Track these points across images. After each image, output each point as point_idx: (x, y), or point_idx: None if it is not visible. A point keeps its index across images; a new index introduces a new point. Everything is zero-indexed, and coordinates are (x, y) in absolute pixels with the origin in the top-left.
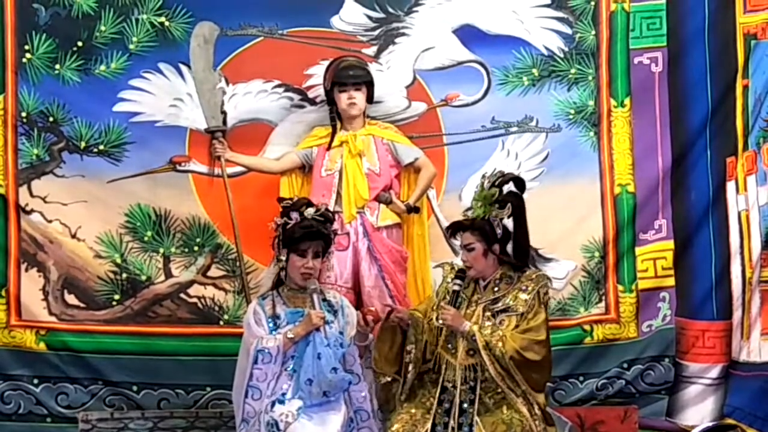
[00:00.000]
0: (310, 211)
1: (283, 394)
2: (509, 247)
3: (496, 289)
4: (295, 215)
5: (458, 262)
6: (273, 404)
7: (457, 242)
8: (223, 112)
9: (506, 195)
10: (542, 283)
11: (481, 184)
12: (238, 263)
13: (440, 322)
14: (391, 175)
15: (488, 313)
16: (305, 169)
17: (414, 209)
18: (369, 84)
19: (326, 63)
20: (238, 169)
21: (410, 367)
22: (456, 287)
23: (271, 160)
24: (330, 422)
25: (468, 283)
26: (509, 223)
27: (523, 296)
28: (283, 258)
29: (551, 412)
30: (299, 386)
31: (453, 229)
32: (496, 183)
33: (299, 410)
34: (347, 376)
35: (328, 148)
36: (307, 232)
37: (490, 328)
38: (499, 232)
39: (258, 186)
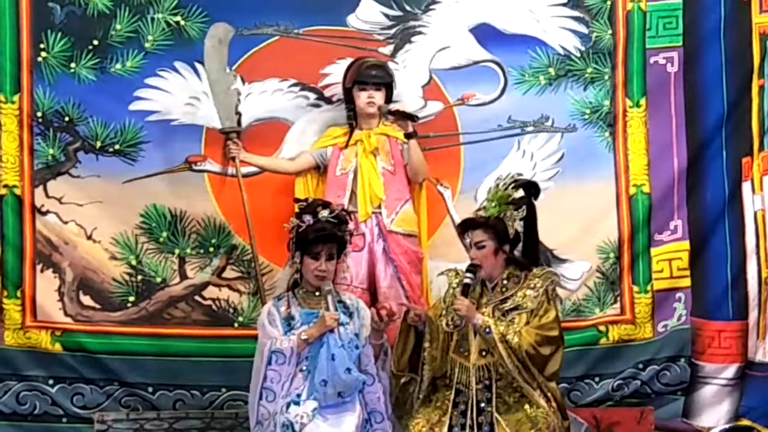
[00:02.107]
0: (324, 213)
1: (298, 395)
2: (517, 252)
3: (504, 289)
4: (308, 218)
5: (463, 268)
6: (288, 405)
7: (466, 240)
8: (238, 113)
9: (522, 198)
10: (549, 279)
11: (497, 185)
12: (253, 264)
13: (451, 319)
14: (405, 174)
15: (498, 313)
16: (320, 169)
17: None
18: (389, 85)
19: (343, 62)
20: (253, 169)
21: (426, 366)
22: (467, 280)
23: (285, 160)
24: (345, 423)
25: (475, 286)
26: (519, 226)
27: (531, 293)
28: (297, 260)
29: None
30: (314, 387)
31: (465, 227)
32: (513, 184)
33: (314, 411)
34: (361, 376)
35: (345, 146)
36: (319, 235)
37: (505, 324)
38: (512, 232)
39: (273, 186)
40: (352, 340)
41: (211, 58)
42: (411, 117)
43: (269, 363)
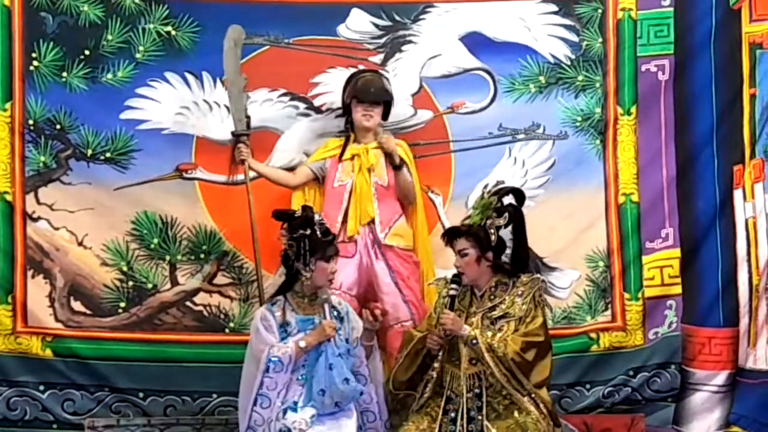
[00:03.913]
0: (317, 218)
1: (295, 403)
2: (506, 259)
3: (492, 297)
4: (315, 223)
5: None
6: (285, 412)
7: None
8: (247, 117)
9: (505, 205)
10: (537, 286)
11: (482, 193)
12: (256, 269)
13: (440, 329)
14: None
15: (487, 321)
16: (320, 180)
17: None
18: (387, 102)
19: (333, 71)
20: (250, 174)
21: (430, 384)
22: (452, 292)
23: (288, 173)
24: (343, 428)
25: (464, 293)
26: (507, 234)
27: (519, 301)
28: (313, 267)
29: None
30: (311, 396)
31: (449, 235)
32: (496, 192)
33: (312, 418)
34: (359, 386)
35: (340, 159)
36: (331, 238)
37: (491, 333)
38: (494, 239)
39: (267, 194)
40: (348, 348)
41: (228, 59)
42: (391, 156)
43: (267, 371)
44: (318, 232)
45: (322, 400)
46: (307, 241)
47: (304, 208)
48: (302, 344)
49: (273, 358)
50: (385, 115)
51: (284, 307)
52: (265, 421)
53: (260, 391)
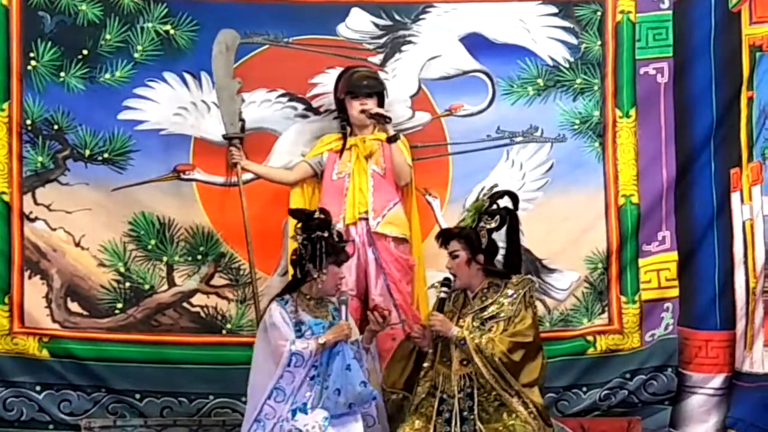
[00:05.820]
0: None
1: (304, 404)
2: (501, 259)
3: (483, 298)
4: (333, 226)
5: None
6: (294, 413)
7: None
8: (242, 120)
9: (499, 208)
10: (527, 286)
11: (477, 196)
12: (249, 271)
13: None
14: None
15: (477, 322)
16: (318, 176)
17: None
18: (380, 93)
19: (332, 71)
20: (245, 176)
21: (420, 384)
22: (442, 294)
23: (285, 170)
24: (353, 431)
25: (457, 295)
26: (501, 237)
27: (508, 301)
28: (325, 270)
29: (554, 422)
30: (326, 395)
31: (443, 237)
32: (490, 195)
33: (325, 420)
34: (374, 391)
35: (340, 153)
36: (346, 243)
37: (479, 333)
38: (485, 241)
39: (261, 196)
40: (358, 351)
41: (218, 63)
42: (385, 118)
43: (288, 364)
44: (335, 236)
45: (336, 400)
46: (324, 244)
47: (322, 210)
48: (321, 340)
49: (295, 352)
50: (380, 106)
51: (297, 307)
52: (276, 414)
53: (278, 384)
